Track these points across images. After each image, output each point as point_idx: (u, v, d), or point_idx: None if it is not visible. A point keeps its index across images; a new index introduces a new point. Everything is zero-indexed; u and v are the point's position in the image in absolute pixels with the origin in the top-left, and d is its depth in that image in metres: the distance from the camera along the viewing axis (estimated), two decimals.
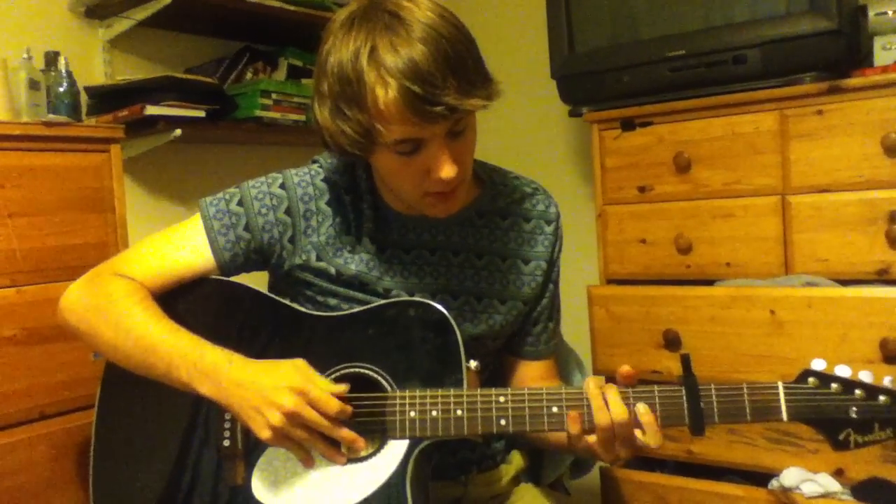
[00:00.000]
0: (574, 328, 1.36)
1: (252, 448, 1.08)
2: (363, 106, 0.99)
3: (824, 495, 1.50)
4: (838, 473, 1.53)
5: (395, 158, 1.03)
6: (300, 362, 1.03)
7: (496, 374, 1.28)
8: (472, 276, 1.19)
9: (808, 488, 1.52)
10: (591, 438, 1.00)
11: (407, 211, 1.17)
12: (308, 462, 1.04)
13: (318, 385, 1.00)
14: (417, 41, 0.96)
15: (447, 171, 1.01)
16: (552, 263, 1.25)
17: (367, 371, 1.07)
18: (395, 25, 0.97)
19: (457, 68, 0.97)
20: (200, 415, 1.10)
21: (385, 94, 0.96)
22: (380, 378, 1.07)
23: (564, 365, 1.38)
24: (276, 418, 0.97)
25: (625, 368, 1.01)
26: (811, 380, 0.97)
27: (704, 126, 1.75)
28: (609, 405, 0.99)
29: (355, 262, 1.15)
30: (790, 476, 1.55)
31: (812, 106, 1.62)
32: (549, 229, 1.24)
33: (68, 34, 2.01)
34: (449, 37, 0.98)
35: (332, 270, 1.15)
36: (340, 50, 1.00)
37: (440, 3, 1.03)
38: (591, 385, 1.01)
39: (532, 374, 1.27)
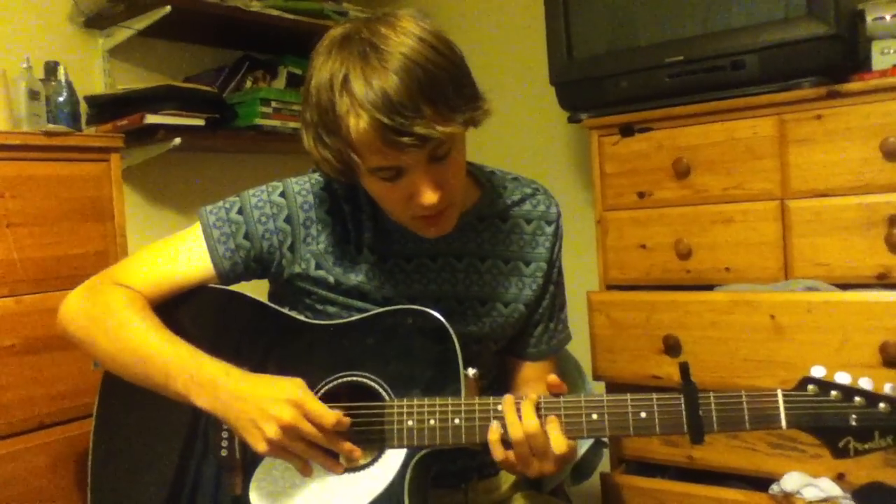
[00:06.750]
0: (574, 334, 1.35)
1: (250, 458, 1.07)
2: (338, 135, 0.99)
3: (825, 500, 1.50)
4: (839, 478, 1.52)
5: (379, 183, 1.04)
6: (298, 381, 1.02)
7: (498, 376, 1.28)
8: (476, 281, 1.19)
9: (810, 493, 1.51)
10: (512, 454, 1.01)
11: None
12: (306, 471, 1.03)
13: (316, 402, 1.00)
14: (391, 71, 0.94)
15: (429, 197, 1.01)
16: (552, 264, 1.24)
17: (364, 380, 1.07)
18: (369, 55, 0.96)
19: (432, 96, 0.96)
20: (198, 425, 1.10)
21: (357, 124, 0.96)
22: (377, 387, 1.07)
23: (565, 372, 1.38)
24: (274, 431, 0.97)
25: (551, 378, 1.03)
26: (811, 387, 0.96)
27: (703, 131, 1.75)
28: (522, 418, 1.00)
29: (356, 273, 1.15)
30: (791, 481, 1.54)
31: (811, 111, 1.62)
32: (549, 230, 1.24)
33: (68, 44, 2.02)
34: (426, 64, 0.96)
35: (332, 279, 1.15)
36: (319, 77, 1.00)
37: (427, 26, 1.00)
38: (508, 400, 1.02)
39: (534, 375, 1.26)
